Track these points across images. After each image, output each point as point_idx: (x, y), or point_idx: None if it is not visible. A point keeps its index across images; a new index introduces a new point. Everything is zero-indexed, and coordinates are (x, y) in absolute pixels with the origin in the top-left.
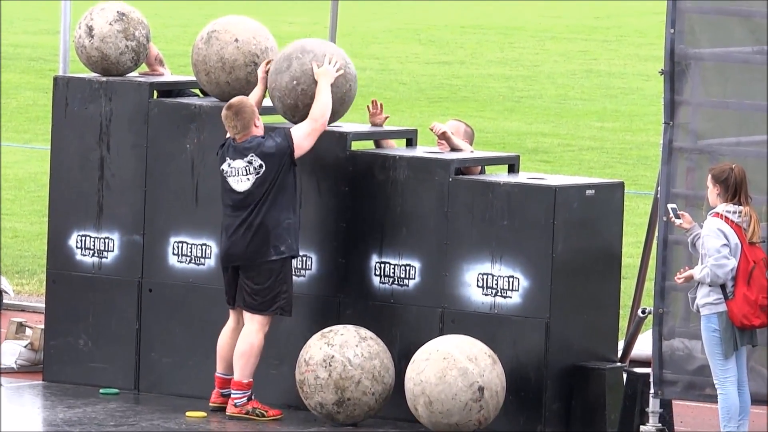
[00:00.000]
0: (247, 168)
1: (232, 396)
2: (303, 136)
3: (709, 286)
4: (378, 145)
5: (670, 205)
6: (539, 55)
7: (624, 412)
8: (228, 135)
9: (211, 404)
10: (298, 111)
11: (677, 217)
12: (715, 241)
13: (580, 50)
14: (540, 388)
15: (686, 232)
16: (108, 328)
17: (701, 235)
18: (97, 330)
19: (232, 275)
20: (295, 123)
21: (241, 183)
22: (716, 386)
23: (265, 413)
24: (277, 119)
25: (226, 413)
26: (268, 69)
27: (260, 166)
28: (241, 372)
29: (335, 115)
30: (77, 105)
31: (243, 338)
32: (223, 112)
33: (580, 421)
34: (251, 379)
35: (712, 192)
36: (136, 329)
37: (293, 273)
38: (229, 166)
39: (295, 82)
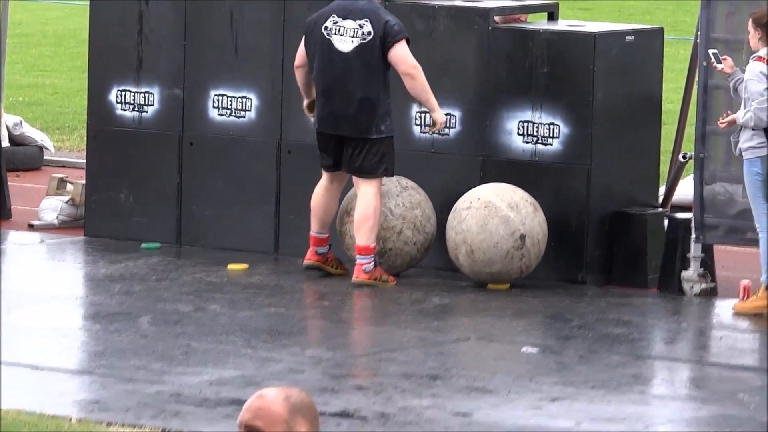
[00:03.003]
0: (356, 31)
1: (359, 262)
2: (400, 57)
3: (753, 129)
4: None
5: (711, 51)
6: None
7: (665, 257)
8: None
9: (305, 262)
10: None
11: (719, 61)
12: (758, 84)
13: None
14: (581, 235)
15: (728, 76)
16: (149, 183)
17: (744, 79)
18: (138, 184)
19: (335, 141)
20: None
21: (344, 44)
22: (758, 230)
23: (388, 280)
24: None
25: (354, 280)
26: None
27: (369, 33)
28: (367, 236)
29: None
30: None
31: (362, 202)
32: None
33: (622, 268)
34: (376, 243)
35: (753, 36)
36: (177, 183)
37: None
38: (335, 23)
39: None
